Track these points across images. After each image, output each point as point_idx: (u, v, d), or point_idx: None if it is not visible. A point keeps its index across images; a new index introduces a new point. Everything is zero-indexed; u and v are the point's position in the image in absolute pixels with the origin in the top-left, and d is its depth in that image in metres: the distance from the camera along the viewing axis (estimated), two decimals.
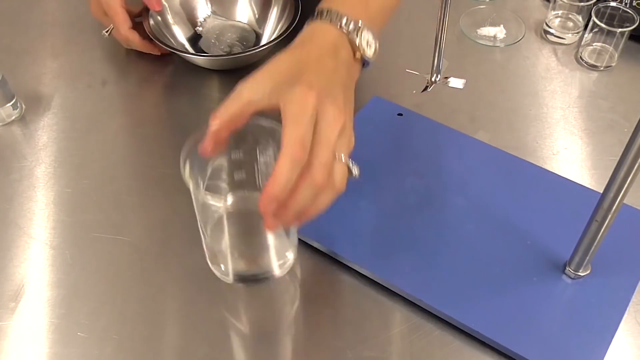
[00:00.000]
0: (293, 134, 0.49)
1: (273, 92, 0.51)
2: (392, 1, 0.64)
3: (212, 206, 0.58)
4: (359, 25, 0.56)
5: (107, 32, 0.84)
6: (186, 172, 0.54)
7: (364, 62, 0.58)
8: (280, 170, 0.48)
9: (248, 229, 0.60)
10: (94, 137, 0.77)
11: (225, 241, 0.60)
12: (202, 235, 0.60)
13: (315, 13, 0.57)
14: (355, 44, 0.56)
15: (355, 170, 0.54)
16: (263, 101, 0.52)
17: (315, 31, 0.56)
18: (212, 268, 0.62)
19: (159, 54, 0.85)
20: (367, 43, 0.57)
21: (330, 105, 0.51)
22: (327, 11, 0.56)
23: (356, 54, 0.57)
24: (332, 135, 0.50)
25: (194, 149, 0.54)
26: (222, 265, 0.61)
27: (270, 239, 0.60)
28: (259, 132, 0.57)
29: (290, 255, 0.63)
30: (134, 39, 0.81)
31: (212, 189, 0.60)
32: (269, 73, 0.53)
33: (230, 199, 0.63)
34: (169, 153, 0.74)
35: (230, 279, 0.61)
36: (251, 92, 0.52)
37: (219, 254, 0.61)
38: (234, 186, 0.62)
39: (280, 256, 0.62)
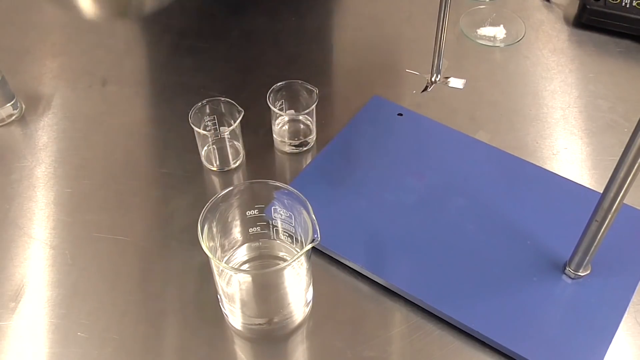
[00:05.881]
0: None
1: None
2: None
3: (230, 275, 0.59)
4: None
5: None
6: (204, 237, 0.54)
7: None
8: None
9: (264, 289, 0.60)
10: (94, 137, 0.77)
11: (241, 302, 0.60)
12: (217, 286, 0.59)
13: None
14: None
15: None
16: None
17: None
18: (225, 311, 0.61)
19: None
20: None
21: None
22: None
23: None
24: None
25: (210, 212, 0.56)
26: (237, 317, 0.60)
27: (289, 293, 0.59)
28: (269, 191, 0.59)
29: (310, 295, 0.61)
30: None
31: (228, 243, 0.62)
32: None
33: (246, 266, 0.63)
34: (169, 153, 0.74)
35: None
36: None
37: (235, 307, 0.60)
38: (249, 239, 0.63)
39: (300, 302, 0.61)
